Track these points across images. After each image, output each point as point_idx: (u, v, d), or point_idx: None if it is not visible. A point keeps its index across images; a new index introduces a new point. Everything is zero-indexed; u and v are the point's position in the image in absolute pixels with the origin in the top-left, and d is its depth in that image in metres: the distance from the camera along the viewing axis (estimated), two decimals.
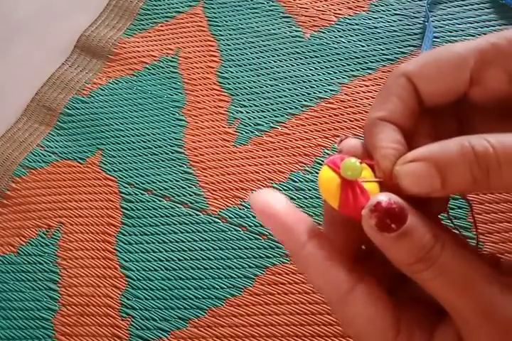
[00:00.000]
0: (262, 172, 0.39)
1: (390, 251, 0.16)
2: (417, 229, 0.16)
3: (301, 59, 0.44)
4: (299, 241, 0.17)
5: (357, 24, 0.44)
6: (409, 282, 0.17)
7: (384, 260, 0.16)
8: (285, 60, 0.44)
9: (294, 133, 0.40)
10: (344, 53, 0.43)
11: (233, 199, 0.38)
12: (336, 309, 0.17)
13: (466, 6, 0.43)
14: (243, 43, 0.46)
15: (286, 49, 0.45)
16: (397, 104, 0.18)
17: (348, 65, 0.42)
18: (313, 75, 0.42)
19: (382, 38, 0.43)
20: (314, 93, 0.41)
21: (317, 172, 0.38)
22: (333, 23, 0.45)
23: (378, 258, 0.17)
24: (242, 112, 0.42)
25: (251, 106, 0.42)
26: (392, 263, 0.16)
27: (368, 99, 0.40)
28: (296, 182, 0.38)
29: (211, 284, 0.35)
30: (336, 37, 0.44)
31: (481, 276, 0.16)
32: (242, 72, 0.44)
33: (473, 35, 0.41)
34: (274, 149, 0.39)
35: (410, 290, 0.18)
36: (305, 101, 0.41)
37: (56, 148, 0.44)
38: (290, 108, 0.41)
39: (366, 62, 0.42)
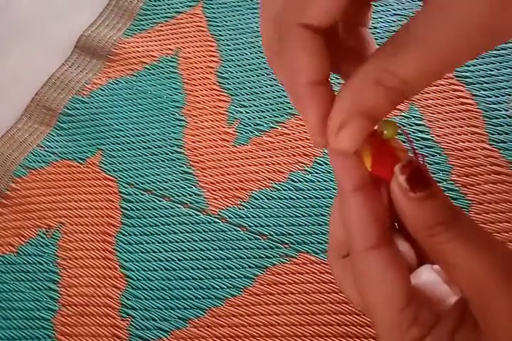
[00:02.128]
0: (262, 172, 0.39)
1: (412, 213, 0.16)
2: (441, 193, 0.16)
3: None
4: (349, 187, 0.17)
5: None
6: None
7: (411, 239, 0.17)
8: None
9: (293, 133, 0.40)
10: None
11: (233, 199, 0.38)
12: (355, 258, 0.18)
13: None
14: (243, 43, 0.46)
15: None
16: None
17: None
18: None
19: (382, 38, 0.43)
20: None
21: (317, 173, 0.38)
22: None
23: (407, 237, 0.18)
24: (242, 112, 0.42)
25: (251, 106, 0.42)
26: (409, 229, 0.17)
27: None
28: (296, 182, 0.38)
29: (211, 284, 0.35)
30: None
31: (494, 240, 0.16)
32: (242, 72, 0.44)
33: None
34: (274, 149, 0.39)
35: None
36: None
37: (56, 148, 0.44)
38: (290, 108, 0.41)
39: None
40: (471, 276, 0.16)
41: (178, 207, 0.38)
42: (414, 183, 0.16)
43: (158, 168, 0.41)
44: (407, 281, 0.17)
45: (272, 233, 0.36)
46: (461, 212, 0.17)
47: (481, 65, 0.40)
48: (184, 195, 0.39)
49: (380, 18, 0.44)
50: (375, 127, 0.17)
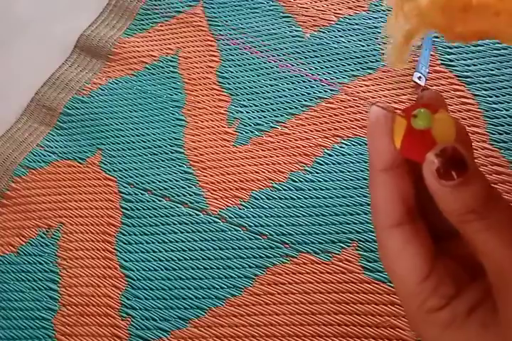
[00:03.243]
0: (262, 172, 0.39)
1: (444, 199, 0.17)
2: (475, 181, 0.16)
3: (301, 59, 0.44)
4: (378, 167, 0.19)
5: (357, 24, 0.44)
6: (455, 240, 0.18)
7: (436, 214, 0.17)
8: (285, 60, 0.44)
9: (294, 133, 0.40)
10: (344, 53, 0.43)
11: (233, 199, 0.38)
12: (379, 234, 0.19)
13: None
14: (243, 43, 0.46)
15: (286, 49, 0.45)
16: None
17: (348, 64, 0.42)
18: (313, 75, 0.42)
19: (382, 38, 0.43)
20: (314, 93, 0.41)
21: (317, 173, 0.38)
22: (333, 22, 0.45)
23: (432, 212, 0.18)
24: (242, 112, 0.42)
25: (251, 106, 0.42)
26: (442, 212, 0.17)
27: (367, 99, 0.40)
28: (296, 182, 0.38)
29: (211, 284, 0.35)
30: (336, 37, 0.44)
31: None
32: (242, 72, 0.44)
33: None
34: (274, 149, 0.39)
35: (455, 248, 0.19)
36: (305, 101, 0.41)
37: (56, 148, 0.44)
38: (290, 108, 0.41)
39: (366, 62, 0.42)
40: (498, 266, 0.16)
41: (178, 207, 0.38)
42: (447, 170, 0.16)
43: (158, 168, 0.41)
44: (427, 255, 0.18)
45: (272, 233, 0.36)
46: (498, 201, 0.16)
47: (481, 64, 0.40)
48: (184, 195, 0.39)
49: (381, 17, 0.44)
50: (414, 112, 0.18)
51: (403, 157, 0.18)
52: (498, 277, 0.16)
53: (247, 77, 0.44)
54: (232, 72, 0.44)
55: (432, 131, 0.17)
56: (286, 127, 0.40)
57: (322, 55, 0.43)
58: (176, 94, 0.44)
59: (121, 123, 0.44)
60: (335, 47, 0.43)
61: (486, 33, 0.17)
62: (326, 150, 0.39)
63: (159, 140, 0.42)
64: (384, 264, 0.19)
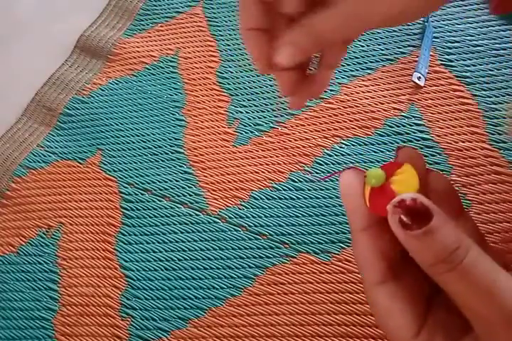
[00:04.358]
0: (262, 172, 0.39)
1: (412, 249, 0.17)
2: (441, 229, 0.16)
3: None
4: (357, 227, 0.19)
5: None
6: (443, 292, 0.17)
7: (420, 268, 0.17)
8: None
9: (293, 133, 0.40)
10: None
11: (233, 199, 0.38)
12: (366, 291, 0.19)
13: (466, 6, 0.43)
14: (243, 43, 0.46)
15: None
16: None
17: (348, 65, 0.42)
18: None
19: (382, 38, 0.43)
20: None
21: (317, 173, 0.38)
22: None
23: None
24: (241, 112, 0.42)
25: (251, 106, 0.42)
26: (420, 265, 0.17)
27: (367, 99, 0.40)
28: (295, 182, 0.38)
29: (211, 284, 0.35)
30: None
31: (504, 280, 0.16)
32: (241, 72, 0.44)
33: (473, 35, 0.41)
34: (274, 149, 0.39)
35: (449, 300, 0.19)
36: None
37: (56, 148, 0.44)
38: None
39: (366, 62, 0.42)
40: (476, 314, 0.16)
41: (178, 207, 0.38)
42: (407, 223, 0.16)
43: (158, 168, 0.41)
44: (415, 310, 0.18)
45: (272, 233, 0.36)
46: (465, 246, 0.16)
47: (481, 64, 0.40)
48: (184, 195, 0.39)
49: None
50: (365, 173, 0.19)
51: (374, 214, 0.19)
52: (482, 329, 0.16)
53: (247, 77, 0.44)
54: (232, 72, 0.44)
55: (393, 186, 0.18)
56: (286, 127, 0.40)
57: None
58: (176, 95, 0.44)
59: (121, 123, 0.44)
60: None
61: None
62: (325, 151, 0.39)
63: (159, 140, 0.42)
64: (376, 320, 0.19)
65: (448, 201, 0.18)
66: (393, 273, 0.19)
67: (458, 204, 0.21)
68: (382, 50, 0.42)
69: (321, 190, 0.37)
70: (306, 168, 0.38)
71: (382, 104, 0.39)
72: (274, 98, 0.42)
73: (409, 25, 0.43)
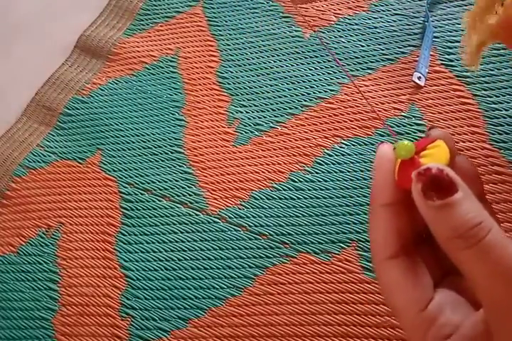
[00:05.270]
0: (262, 172, 0.39)
1: (431, 221, 0.16)
2: (463, 204, 0.16)
3: (301, 59, 0.44)
4: (380, 202, 0.19)
5: (357, 24, 0.44)
6: (456, 273, 0.17)
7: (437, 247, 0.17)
8: (285, 60, 0.44)
9: (293, 133, 0.40)
10: (344, 53, 0.43)
11: (233, 199, 0.38)
12: (377, 266, 0.19)
13: (466, 5, 0.43)
14: (243, 43, 0.46)
15: (286, 49, 0.45)
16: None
17: (348, 64, 0.42)
18: (313, 75, 0.42)
19: (382, 38, 0.43)
20: (314, 93, 0.41)
21: (317, 172, 0.38)
22: (333, 23, 0.45)
23: (439, 247, 0.18)
24: (241, 112, 0.42)
25: (251, 106, 0.42)
26: (437, 240, 0.17)
27: (367, 99, 0.40)
28: (296, 182, 0.38)
29: (211, 284, 0.35)
30: (335, 37, 0.44)
31: None
32: (241, 72, 0.44)
33: None
34: (274, 149, 0.39)
35: (460, 282, 0.19)
36: (305, 101, 0.41)
37: (56, 148, 0.44)
38: (290, 108, 0.41)
39: (366, 62, 0.42)
40: (490, 296, 0.16)
41: (178, 207, 0.38)
42: (433, 191, 0.16)
43: (158, 168, 0.41)
44: (424, 285, 0.18)
45: (272, 233, 0.36)
46: (487, 224, 0.16)
47: (481, 64, 0.40)
48: (184, 195, 0.39)
49: (381, 17, 0.44)
50: (394, 144, 0.19)
51: (401, 188, 0.19)
52: (493, 312, 0.16)
53: (247, 77, 0.44)
54: (232, 72, 0.44)
55: (423, 159, 0.18)
56: (286, 127, 0.40)
57: (322, 55, 0.43)
58: (175, 94, 0.44)
59: (121, 123, 0.44)
60: (335, 48, 0.43)
61: None
62: (325, 151, 0.39)
63: (159, 140, 0.42)
64: (384, 296, 0.19)
65: (473, 184, 0.18)
66: (406, 250, 0.19)
67: (481, 190, 0.21)
68: (383, 49, 0.42)
69: (321, 190, 0.37)
70: (307, 168, 0.38)
71: (383, 103, 0.39)
72: (274, 98, 0.42)
73: (409, 25, 0.43)
